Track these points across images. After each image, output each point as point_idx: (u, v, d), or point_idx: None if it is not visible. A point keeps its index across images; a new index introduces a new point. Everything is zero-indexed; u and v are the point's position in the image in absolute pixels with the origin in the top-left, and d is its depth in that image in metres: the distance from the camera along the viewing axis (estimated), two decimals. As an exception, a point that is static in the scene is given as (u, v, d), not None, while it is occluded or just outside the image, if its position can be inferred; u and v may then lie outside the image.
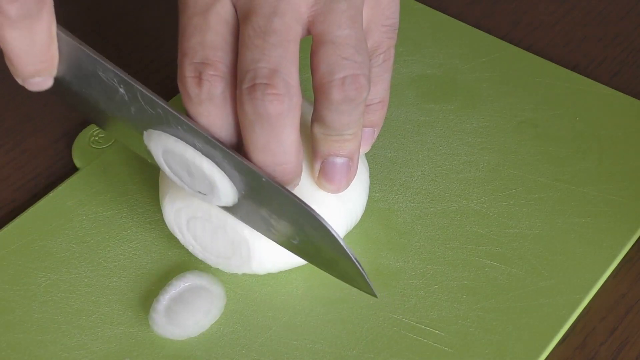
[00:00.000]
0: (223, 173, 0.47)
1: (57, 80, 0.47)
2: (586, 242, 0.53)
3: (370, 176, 0.53)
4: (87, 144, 0.58)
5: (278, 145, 0.45)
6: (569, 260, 0.52)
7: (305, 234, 0.47)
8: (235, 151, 0.46)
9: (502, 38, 0.65)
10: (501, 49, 0.64)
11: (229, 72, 0.45)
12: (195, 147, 0.47)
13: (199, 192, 0.48)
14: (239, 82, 0.45)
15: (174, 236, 0.52)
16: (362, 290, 0.48)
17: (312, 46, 0.46)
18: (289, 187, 0.47)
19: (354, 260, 0.46)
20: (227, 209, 0.49)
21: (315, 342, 0.49)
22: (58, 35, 0.46)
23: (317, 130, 0.47)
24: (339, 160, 0.48)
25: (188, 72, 0.46)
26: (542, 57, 0.63)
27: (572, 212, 0.54)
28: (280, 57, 0.45)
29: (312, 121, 0.47)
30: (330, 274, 0.48)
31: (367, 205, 0.52)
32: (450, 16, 0.66)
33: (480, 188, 0.56)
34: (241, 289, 0.51)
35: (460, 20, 0.66)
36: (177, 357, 0.48)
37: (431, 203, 0.55)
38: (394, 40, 0.50)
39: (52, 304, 0.50)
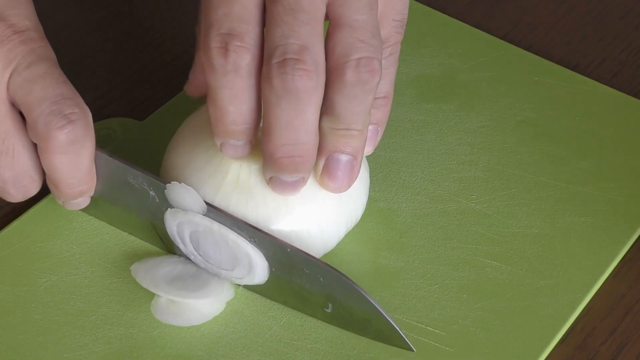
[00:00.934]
0: (257, 249, 0.48)
1: (93, 198, 0.51)
2: (586, 241, 0.53)
3: (370, 176, 0.53)
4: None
5: (302, 121, 0.46)
6: (569, 260, 0.52)
7: (336, 299, 0.48)
8: (259, 228, 0.48)
9: (502, 38, 0.65)
10: (501, 49, 0.64)
11: (255, 45, 0.46)
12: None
13: (230, 272, 0.50)
14: (267, 57, 0.45)
15: (174, 236, 0.52)
16: (399, 347, 0.48)
17: (328, 30, 0.46)
18: (301, 177, 0.48)
19: (388, 318, 0.47)
20: (259, 289, 0.50)
21: (316, 342, 0.49)
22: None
23: (325, 124, 0.47)
24: (344, 158, 0.48)
25: (214, 43, 0.45)
26: (542, 57, 0.63)
27: (572, 212, 0.54)
28: (309, 34, 0.45)
29: (321, 115, 0.47)
30: (365, 336, 0.49)
31: (367, 204, 0.52)
32: (450, 16, 0.66)
33: (480, 187, 0.56)
34: (241, 289, 0.51)
35: (460, 20, 0.66)
36: (178, 357, 0.48)
37: (431, 202, 0.55)
38: (402, 36, 0.50)
39: (53, 305, 0.50)
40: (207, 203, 0.49)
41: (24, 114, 0.48)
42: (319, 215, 0.49)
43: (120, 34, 0.66)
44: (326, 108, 0.47)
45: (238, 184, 0.49)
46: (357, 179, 0.50)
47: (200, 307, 0.49)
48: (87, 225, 0.54)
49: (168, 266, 0.51)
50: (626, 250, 0.53)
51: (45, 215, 0.54)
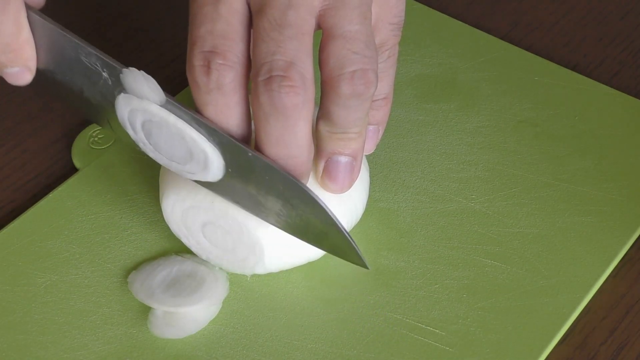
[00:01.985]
0: (215, 148, 0.47)
1: (40, 71, 0.48)
2: (586, 241, 0.53)
3: (370, 176, 0.53)
4: (87, 145, 0.58)
5: (292, 137, 0.45)
6: (569, 259, 0.52)
7: (294, 208, 0.47)
8: (217, 126, 0.46)
9: (502, 38, 0.65)
10: (500, 49, 0.64)
11: (238, 62, 0.46)
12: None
13: (182, 166, 0.48)
14: (254, 74, 0.45)
15: (174, 236, 0.52)
16: (354, 263, 0.48)
17: (321, 40, 0.46)
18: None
19: (344, 232, 0.47)
20: (211, 186, 0.48)
21: (316, 342, 0.49)
22: (36, 22, 0.46)
23: (323, 127, 0.47)
24: (343, 159, 0.48)
25: (197, 61, 0.45)
26: (542, 57, 0.63)
27: (572, 211, 0.54)
28: (296, 49, 0.45)
29: (318, 119, 0.48)
30: (321, 248, 0.49)
31: (367, 204, 0.52)
32: (450, 16, 0.66)
33: (480, 187, 0.56)
34: (242, 289, 0.51)
35: (460, 20, 0.66)
36: (178, 357, 0.48)
37: (431, 202, 0.55)
38: (399, 38, 0.50)
39: (53, 304, 0.50)
40: (166, 95, 0.47)
41: None
42: (319, 215, 0.49)
43: (120, 34, 0.66)
44: (322, 115, 0.47)
45: (238, 183, 0.49)
46: (357, 179, 0.50)
47: (195, 315, 0.49)
48: (87, 225, 0.54)
49: (164, 270, 0.51)
50: (626, 250, 0.53)
51: (45, 215, 0.54)
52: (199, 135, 0.47)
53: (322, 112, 0.47)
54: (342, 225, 0.47)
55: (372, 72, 0.46)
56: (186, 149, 0.47)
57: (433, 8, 0.67)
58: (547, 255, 0.52)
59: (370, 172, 0.53)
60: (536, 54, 0.64)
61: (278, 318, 0.50)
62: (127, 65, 0.46)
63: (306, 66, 0.45)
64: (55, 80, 0.48)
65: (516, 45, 0.64)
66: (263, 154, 0.46)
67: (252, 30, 0.46)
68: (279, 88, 0.44)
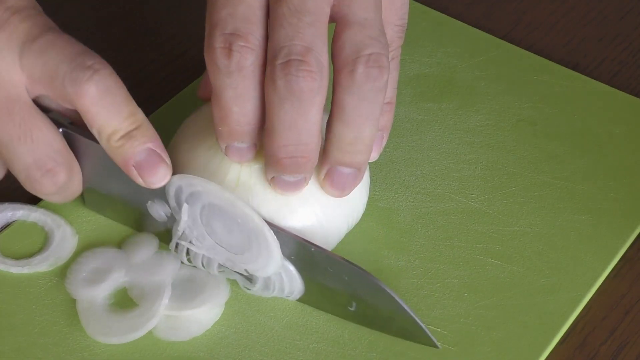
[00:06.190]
0: (275, 238, 0.48)
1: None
2: (586, 239, 0.53)
3: (370, 175, 0.53)
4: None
5: (305, 122, 0.46)
6: (569, 258, 0.52)
7: (361, 297, 0.48)
8: (281, 227, 0.48)
9: (502, 38, 0.65)
10: (499, 48, 0.64)
11: (258, 45, 0.46)
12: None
13: (237, 254, 0.49)
14: (272, 58, 0.45)
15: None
16: (423, 344, 0.48)
17: (335, 31, 0.47)
18: (303, 178, 0.48)
19: (412, 314, 0.47)
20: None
21: (317, 342, 0.49)
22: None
23: (335, 127, 0.47)
24: (347, 171, 0.48)
25: (218, 43, 0.46)
26: (542, 57, 0.63)
27: (572, 210, 0.54)
28: (314, 36, 0.45)
29: (330, 118, 0.47)
30: (388, 333, 0.49)
31: (367, 204, 0.52)
32: (450, 16, 0.66)
33: (479, 186, 0.56)
34: (240, 289, 0.51)
35: (460, 20, 0.66)
36: (180, 357, 0.48)
37: (431, 202, 0.55)
38: (402, 40, 0.51)
39: (54, 306, 0.50)
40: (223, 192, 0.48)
41: (49, 86, 0.48)
42: (320, 214, 0.50)
43: (120, 34, 0.66)
44: (335, 112, 0.47)
45: (239, 183, 0.49)
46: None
47: (199, 317, 0.49)
48: (87, 226, 0.54)
49: None
50: (627, 248, 0.53)
51: (46, 215, 0.54)
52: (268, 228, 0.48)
53: (334, 109, 0.47)
54: (409, 309, 0.47)
55: (386, 58, 0.46)
56: (254, 240, 0.48)
57: (433, 8, 0.67)
58: (547, 254, 0.52)
59: (370, 172, 0.54)
60: (536, 54, 0.64)
61: (280, 318, 0.50)
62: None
63: (323, 53, 0.45)
64: (103, 194, 0.52)
65: (516, 45, 0.65)
66: (273, 140, 0.46)
67: (269, 17, 0.46)
68: (296, 72, 0.45)
